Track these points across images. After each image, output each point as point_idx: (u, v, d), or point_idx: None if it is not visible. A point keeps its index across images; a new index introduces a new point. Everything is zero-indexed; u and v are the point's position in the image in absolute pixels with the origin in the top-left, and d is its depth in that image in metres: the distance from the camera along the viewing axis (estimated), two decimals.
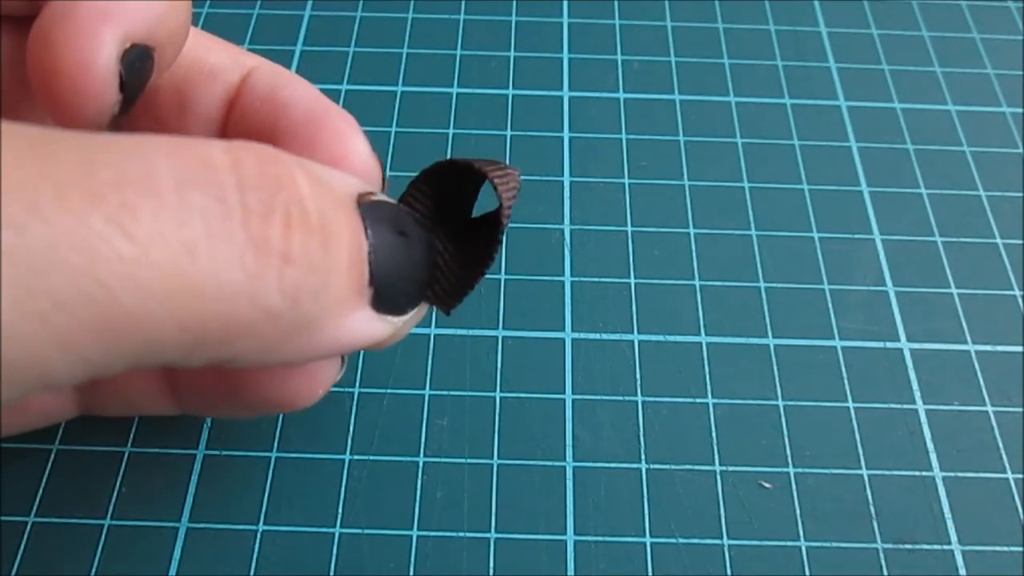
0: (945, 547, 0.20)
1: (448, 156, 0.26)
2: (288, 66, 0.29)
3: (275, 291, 0.12)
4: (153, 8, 0.14)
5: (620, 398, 0.22)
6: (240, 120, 0.17)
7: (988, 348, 0.23)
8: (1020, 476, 0.21)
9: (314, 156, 0.16)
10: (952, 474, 0.21)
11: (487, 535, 0.20)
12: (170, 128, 0.17)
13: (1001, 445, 0.22)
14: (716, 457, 0.21)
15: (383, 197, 0.15)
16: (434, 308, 0.16)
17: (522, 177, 0.17)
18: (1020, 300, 0.24)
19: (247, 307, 0.12)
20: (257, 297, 0.12)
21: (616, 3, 0.31)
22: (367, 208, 0.14)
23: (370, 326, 0.14)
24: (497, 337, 0.23)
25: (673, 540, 0.20)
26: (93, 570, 0.19)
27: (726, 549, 0.20)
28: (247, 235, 0.11)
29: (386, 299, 0.14)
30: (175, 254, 0.11)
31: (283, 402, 0.17)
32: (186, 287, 0.11)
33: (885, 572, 0.20)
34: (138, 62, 0.15)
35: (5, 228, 0.09)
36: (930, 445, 0.22)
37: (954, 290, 0.24)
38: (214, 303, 0.11)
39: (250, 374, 0.17)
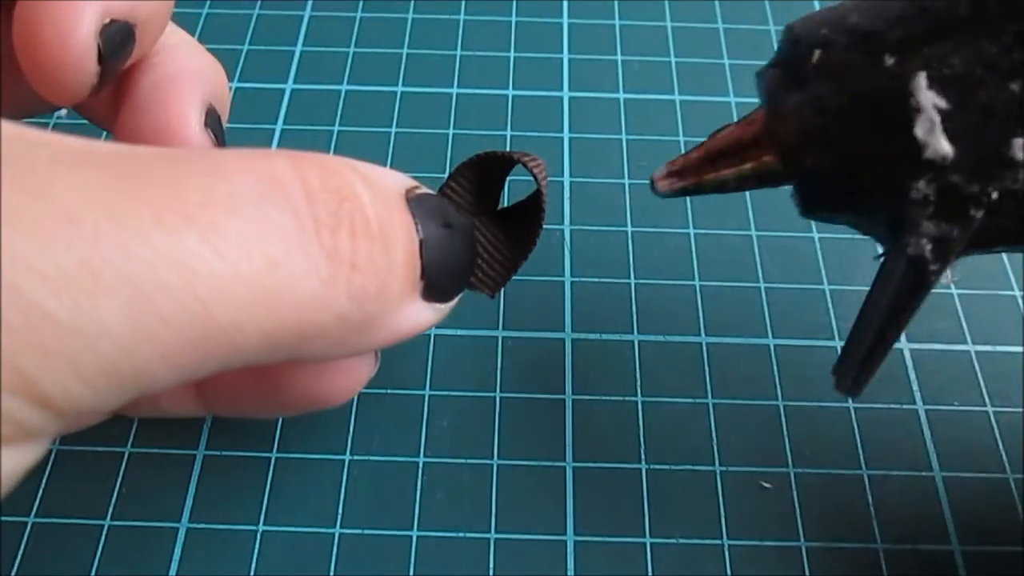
0: (945, 547, 0.20)
1: (448, 157, 0.27)
2: (288, 67, 0.29)
3: (344, 297, 0.13)
4: None
5: (620, 398, 0.22)
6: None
7: (988, 348, 0.23)
8: (1020, 476, 0.21)
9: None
10: (952, 474, 0.21)
11: (487, 535, 0.20)
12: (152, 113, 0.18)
13: (1001, 445, 0.22)
14: (716, 457, 0.21)
15: (426, 190, 0.15)
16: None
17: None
18: (1020, 300, 0.24)
19: (320, 312, 0.13)
20: (329, 303, 0.13)
21: (616, 3, 0.31)
22: (415, 203, 0.15)
23: (423, 315, 0.15)
24: (497, 337, 0.23)
25: (673, 540, 0.20)
26: (93, 570, 0.19)
27: (726, 549, 0.20)
28: (320, 247, 0.12)
29: (435, 288, 0.15)
30: (260, 268, 0.12)
31: (321, 399, 0.18)
32: (269, 298, 0.12)
33: (885, 572, 0.20)
34: (118, 36, 0.15)
35: (116, 252, 0.10)
36: (930, 445, 0.22)
37: (954, 290, 0.24)
38: (293, 311, 0.12)
39: (289, 374, 0.17)
